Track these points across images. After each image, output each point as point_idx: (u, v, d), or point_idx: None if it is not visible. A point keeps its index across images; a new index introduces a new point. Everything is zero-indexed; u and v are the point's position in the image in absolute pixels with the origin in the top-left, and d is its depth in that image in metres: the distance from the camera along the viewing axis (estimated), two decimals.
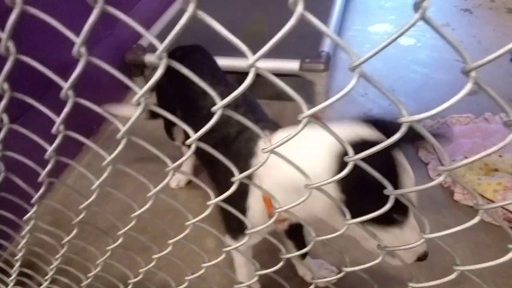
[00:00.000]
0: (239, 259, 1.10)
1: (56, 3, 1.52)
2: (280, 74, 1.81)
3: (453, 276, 0.54)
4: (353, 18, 2.53)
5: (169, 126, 1.54)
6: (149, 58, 1.90)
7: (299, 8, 0.32)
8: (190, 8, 0.33)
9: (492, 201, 1.38)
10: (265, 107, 1.94)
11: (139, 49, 1.94)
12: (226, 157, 0.48)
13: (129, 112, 1.43)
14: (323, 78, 1.77)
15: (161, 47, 0.37)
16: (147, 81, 2.15)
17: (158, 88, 1.36)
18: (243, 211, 0.87)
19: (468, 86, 0.34)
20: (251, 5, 2.26)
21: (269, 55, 1.60)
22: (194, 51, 1.33)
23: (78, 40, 0.38)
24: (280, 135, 0.82)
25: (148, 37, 0.37)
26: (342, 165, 0.56)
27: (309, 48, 1.84)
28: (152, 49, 1.94)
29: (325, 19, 2.02)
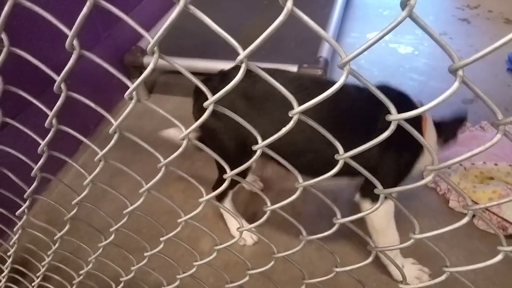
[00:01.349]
0: (384, 223, 1.18)
1: (59, 5, 1.53)
2: None
3: (442, 277, 0.54)
4: (352, 25, 2.55)
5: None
6: (147, 60, 1.91)
7: (289, 4, 0.33)
8: (181, 3, 0.33)
9: (487, 209, 1.38)
10: None
11: (137, 51, 1.94)
12: None
13: (175, 134, 1.42)
14: None
15: (152, 41, 0.37)
16: (145, 84, 2.15)
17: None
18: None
19: (455, 85, 0.35)
20: (251, 11, 2.28)
21: (268, 59, 1.62)
22: None
23: (70, 33, 0.38)
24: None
25: (139, 30, 0.38)
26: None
27: (307, 53, 1.85)
28: None
29: (323, 26, 2.03)
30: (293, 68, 1.76)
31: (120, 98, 2.03)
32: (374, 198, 1.14)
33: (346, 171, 0.47)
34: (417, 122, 1.12)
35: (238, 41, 0.38)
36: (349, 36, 2.44)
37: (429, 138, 1.18)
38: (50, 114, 0.49)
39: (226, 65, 1.67)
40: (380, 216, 1.15)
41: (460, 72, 0.34)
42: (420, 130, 1.14)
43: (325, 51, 1.84)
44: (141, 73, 2.13)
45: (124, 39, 2.01)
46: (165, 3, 2.31)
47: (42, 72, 0.45)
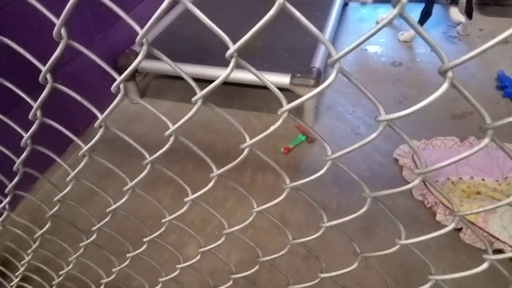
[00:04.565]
0: None
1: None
2: None
3: (427, 286, 0.54)
4: (345, 39, 2.58)
5: None
6: (141, 63, 1.91)
7: None
8: None
9: (473, 223, 1.38)
10: (255, 119, 1.96)
11: (131, 54, 1.94)
12: None
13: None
14: None
15: (141, 32, 0.37)
16: (138, 87, 2.13)
17: None
18: None
19: (445, 86, 0.34)
20: (247, 20, 2.29)
21: (261, 67, 1.67)
22: None
23: (58, 21, 0.38)
24: None
25: (128, 21, 0.37)
26: None
27: (300, 63, 1.86)
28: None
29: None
30: (286, 78, 1.77)
31: (112, 100, 2.02)
32: None
33: None
34: None
35: (242, 46, 0.37)
36: (342, 49, 2.47)
37: None
38: (35, 105, 0.48)
39: (219, 71, 1.67)
40: None
41: (449, 74, 0.34)
42: None
43: (318, 62, 1.86)
44: (134, 76, 2.12)
45: (118, 42, 2.01)
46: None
47: (36, 69, 0.44)
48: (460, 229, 1.40)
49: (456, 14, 2.32)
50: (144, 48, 0.39)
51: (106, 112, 0.46)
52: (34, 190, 1.61)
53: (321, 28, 2.14)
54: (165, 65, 1.90)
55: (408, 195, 1.56)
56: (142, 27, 0.37)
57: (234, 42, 0.38)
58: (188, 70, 1.88)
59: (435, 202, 1.47)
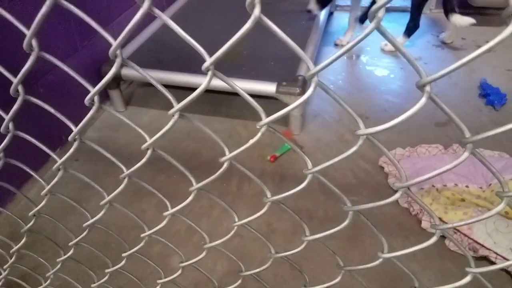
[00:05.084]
0: None
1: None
2: (257, 96, 1.82)
3: None
4: (330, 50, 2.60)
5: None
6: (125, 71, 1.89)
7: (256, 12, 0.32)
8: (145, 5, 0.32)
9: (458, 230, 1.39)
10: (241, 127, 1.95)
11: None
12: None
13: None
14: None
15: (114, 44, 0.36)
16: (122, 95, 2.11)
17: None
18: None
19: (423, 100, 0.34)
20: (234, 29, 2.29)
21: (247, 76, 1.66)
22: None
23: (28, 32, 0.36)
24: None
25: (102, 33, 0.36)
26: None
27: (286, 72, 1.86)
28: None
29: (302, 46, 2.06)
30: (272, 86, 1.77)
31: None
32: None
33: None
34: None
35: (219, 58, 0.37)
36: (327, 58, 2.49)
37: None
38: (6, 118, 0.46)
39: (205, 80, 1.66)
40: None
41: (427, 88, 0.33)
42: None
43: (304, 70, 1.86)
44: (118, 84, 2.10)
45: (102, 50, 1.98)
46: (147, 15, 2.30)
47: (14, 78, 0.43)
48: (445, 236, 1.40)
49: (460, 19, 2.23)
50: (118, 60, 0.38)
51: (79, 126, 0.44)
52: (15, 201, 1.57)
53: (306, 38, 2.15)
54: (149, 73, 1.88)
55: (394, 202, 1.56)
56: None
57: (215, 53, 0.37)
58: (174, 78, 1.86)
59: (421, 210, 1.48)
